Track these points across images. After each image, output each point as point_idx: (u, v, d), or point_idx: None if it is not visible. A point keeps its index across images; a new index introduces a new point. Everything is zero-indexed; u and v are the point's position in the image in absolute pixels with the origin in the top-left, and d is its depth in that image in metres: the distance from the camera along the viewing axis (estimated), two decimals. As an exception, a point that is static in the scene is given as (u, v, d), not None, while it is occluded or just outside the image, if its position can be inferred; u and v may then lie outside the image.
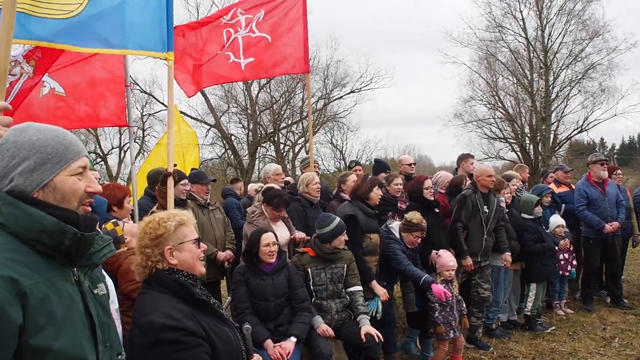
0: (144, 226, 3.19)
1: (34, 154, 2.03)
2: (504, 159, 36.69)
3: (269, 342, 5.51)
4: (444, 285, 6.84)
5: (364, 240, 6.87)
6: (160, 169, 7.06)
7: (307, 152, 38.58)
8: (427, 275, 6.81)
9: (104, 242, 2.27)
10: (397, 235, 7.08)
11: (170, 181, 5.38)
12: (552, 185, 10.55)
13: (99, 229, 2.30)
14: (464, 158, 9.93)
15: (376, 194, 7.01)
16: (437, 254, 7.24)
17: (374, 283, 6.75)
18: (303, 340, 5.69)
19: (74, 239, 2.02)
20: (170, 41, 5.43)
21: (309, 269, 6.21)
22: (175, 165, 5.54)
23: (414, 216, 7.05)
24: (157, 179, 6.49)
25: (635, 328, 8.62)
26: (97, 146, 37.56)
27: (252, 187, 10.04)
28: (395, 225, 7.23)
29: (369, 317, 6.18)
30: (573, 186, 10.47)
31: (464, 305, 7.22)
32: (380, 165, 9.87)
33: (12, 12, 2.93)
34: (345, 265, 6.32)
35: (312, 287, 6.17)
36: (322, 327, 5.90)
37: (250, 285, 5.79)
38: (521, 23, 33.68)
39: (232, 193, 10.26)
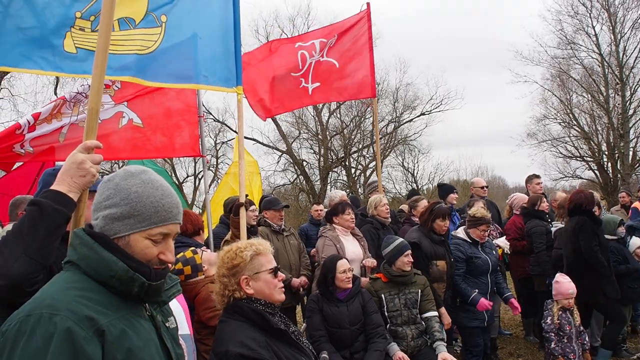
0: (222, 255, 3.27)
1: (123, 205, 2.08)
2: (581, 178, 35.61)
3: (345, 370, 5.48)
4: (560, 312, 6.59)
5: (429, 267, 6.81)
6: (236, 198, 7.17)
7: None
8: (476, 294, 6.81)
9: (172, 282, 2.33)
10: (464, 236, 7.15)
11: (243, 211, 5.44)
12: (638, 204, 10.18)
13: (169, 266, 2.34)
14: (529, 179, 10.06)
15: (439, 225, 6.94)
16: (555, 280, 6.87)
17: (442, 311, 6.64)
18: (379, 368, 5.62)
19: (142, 287, 2.06)
20: (239, 75, 5.51)
21: (383, 295, 6.17)
22: (246, 195, 5.61)
23: (477, 211, 7.12)
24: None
25: None
26: (173, 174, 38.45)
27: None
28: (460, 230, 7.33)
29: (445, 344, 6.06)
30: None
31: (587, 338, 6.85)
32: (444, 189, 9.92)
33: (104, 54, 3.01)
34: (420, 290, 6.25)
35: (386, 314, 6.11)
36: (398, 354, 5.83)
37: (325, 313, 5.79)
38: (594, 39, 32.82)
39: (310, 218, 10.28)
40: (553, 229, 8.23)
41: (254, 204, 7.26)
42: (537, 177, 10.07)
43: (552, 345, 6.49)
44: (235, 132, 35.84)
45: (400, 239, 6.43)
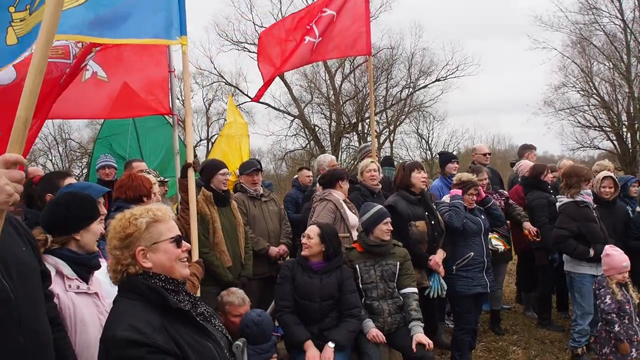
0: (114, 224, 2.74)
1: None
2: (599, 148, 34.87)
3: (309, 344, 5.14)
4: (614, 288, 5.75)
5: (408, 228, 6.39)
6: (213, 161, 6.68)
7: (390, 142, 38.12)
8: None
9: None
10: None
11: (191, 172, 5.06)
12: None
13: None
14: (527, 148, 9.55)
15: (417, 177, 6.56)
16: (605, 253, 6.03)
17: (431, 261, 6.39)
18: (344, 348, 5.20)
19: None
20: (183, 24, 5.13)
21: (357, 266, 5.70)
22: (195, 155, 5.18)
23: (462, 175, 6.95)
24: (207, 171, 6.26)
25: None
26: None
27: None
28: (445, 197, 7.10)
29: (422, 324, 5.57)
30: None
31: None
32: (443, 158, 9.29)
33: (51, 27, 2.34)
34: (398, 263, 5.77)
35: (361, 286, 5.65)
36: (372, 332, 5.39)
37: (297, 283, 5.40)
38: (617, 4, 31.65)
39: (296, 184, 9.80)
40: (558, 204, 7.28)
41: (225, 167, 6.67)
42: (534, 148, 9.56)
43: (617, 329, 5.61)
44: (247, 96, 35.54)
45: (380, 206, 5.96)
